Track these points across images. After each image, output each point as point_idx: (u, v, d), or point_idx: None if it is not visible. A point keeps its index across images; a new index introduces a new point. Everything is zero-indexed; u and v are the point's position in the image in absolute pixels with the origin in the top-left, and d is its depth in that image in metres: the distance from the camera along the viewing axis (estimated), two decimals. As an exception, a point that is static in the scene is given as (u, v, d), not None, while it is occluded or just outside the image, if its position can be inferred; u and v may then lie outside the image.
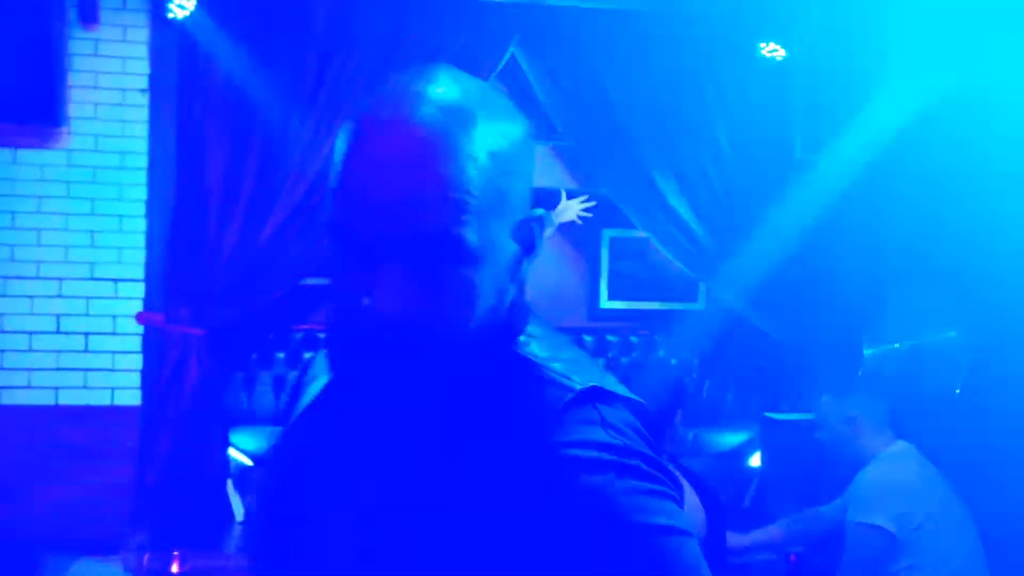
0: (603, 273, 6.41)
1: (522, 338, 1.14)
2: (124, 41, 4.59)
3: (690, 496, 2.42)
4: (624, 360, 6.28)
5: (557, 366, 1.09)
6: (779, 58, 4.99)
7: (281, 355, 5.80)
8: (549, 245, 6.29)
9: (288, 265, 4.73)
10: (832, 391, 3.15)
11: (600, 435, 1.01)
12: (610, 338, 6.31)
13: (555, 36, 4.96)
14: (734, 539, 3.25)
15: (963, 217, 4.62)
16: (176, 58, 4.60)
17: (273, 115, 4.64)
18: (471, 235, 1.02)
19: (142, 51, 4.60)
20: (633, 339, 6.34)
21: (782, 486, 4.88)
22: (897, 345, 4.91)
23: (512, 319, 1.14)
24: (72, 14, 4.43)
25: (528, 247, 1.14)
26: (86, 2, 4.42)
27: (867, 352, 5.00)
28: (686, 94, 5.08)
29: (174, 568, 2.80)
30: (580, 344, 5.92)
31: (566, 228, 6.44)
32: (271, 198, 4.67)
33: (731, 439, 5.80)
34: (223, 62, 4.59)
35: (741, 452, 5.68)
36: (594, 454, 0.98)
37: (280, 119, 4.65)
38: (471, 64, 4.84)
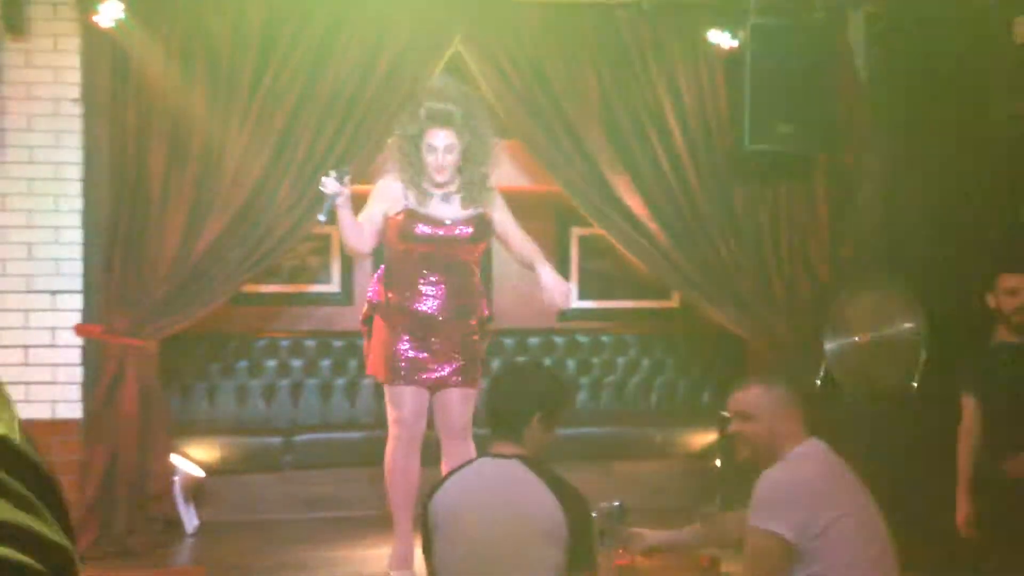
0: (572, 272, 6.30)
1: None
2: (55, 51, 4.56)
3: None
4: (595, 360, 6.16)
5: None
6: (728, 48, 4.84)
7: (243, 364, 5.76)
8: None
9: (228, 272, 4.67)
10: (735, 386, 3.01)
11: None
12: (580, 338, 6.20)
13: (499, 30, 4.86)
14: (647, 538, 3.14)
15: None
16: (109, 67, 4.56)
17: (209, 122, 4.59)
18: None
19: (74, 60, 4.57)
20: (604, 339, 6.22)
21: (742, 486, 4.74)
22: (856, 339, 4.76)
23: None
24: (-1, 25, 4.40)
25: None
26: (14, 12, 4.38)
27: (826, 346, 4.85)
28: (636, 86, 4.95)
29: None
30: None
31: (533, 228, 6.35)
32: (208, 206, 4.61)
33: (705, 439, 5.66)
34: (156, 70, 4.54)
35: (713, 452, 5.54)
36: None
37: (216, 125, 4.60)
38: (415, 61, 4.76)
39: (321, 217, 3.79)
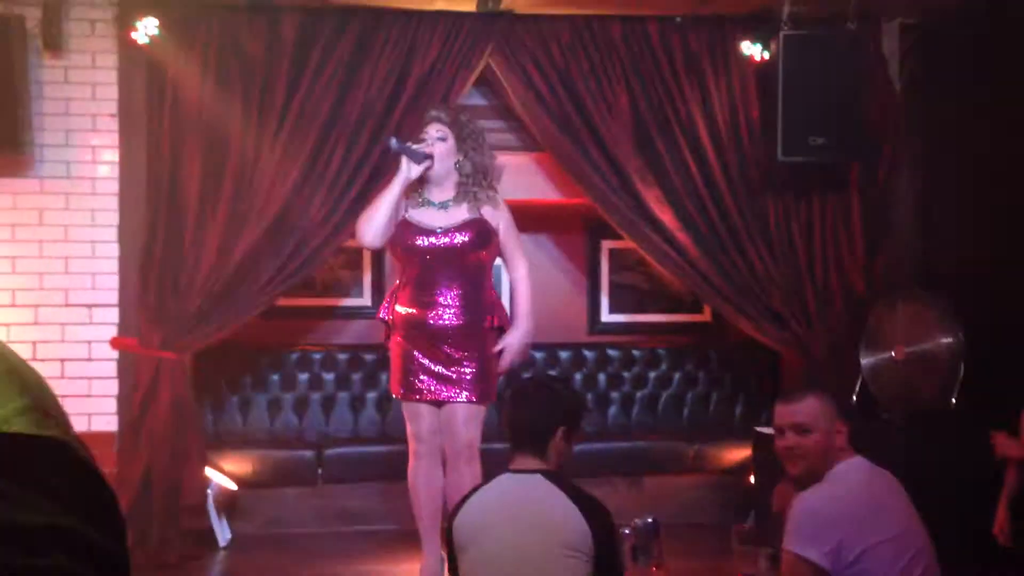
0: (603, 286, 6.28)
1: None
2: (93, 67, 4.62)
3: None
4: (626, 374, 6.13)
5: None
6: (760, 60, 4.81)
7: (275, 377, 5.78)
8: (547, 259, 6.19)
9: (261, 286, 4.70)
10: (784, 397, 2.95)
11: None
12: (611, 352, 6.16)
13: (529, 44, 4.87)
14: None
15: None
16: (145, 83, 4.61)
17: (243, 136, 4.63)
18: None
19: (111, 77, 4.63)
20: (636, 353, 6.18)
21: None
22: (892, 353, 4.69)
23: None
24: (37, 43, 4.46)
25: None
26: (52, 30, 4.45)
27: (862, 361, 4.79)
28: (668, 99, 4.93)
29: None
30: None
31: (563, 241, 6.34)
32: (242, 219, 4.65)
33: (738, 455, 5.59)
34: (191, 86, 4.59)
35: (746, 468, 5.47)
36: None
37: (250, 140, 4.64)
38: (446, 76, 4.78)
39: (423, 163, 3.89)
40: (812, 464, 2.77)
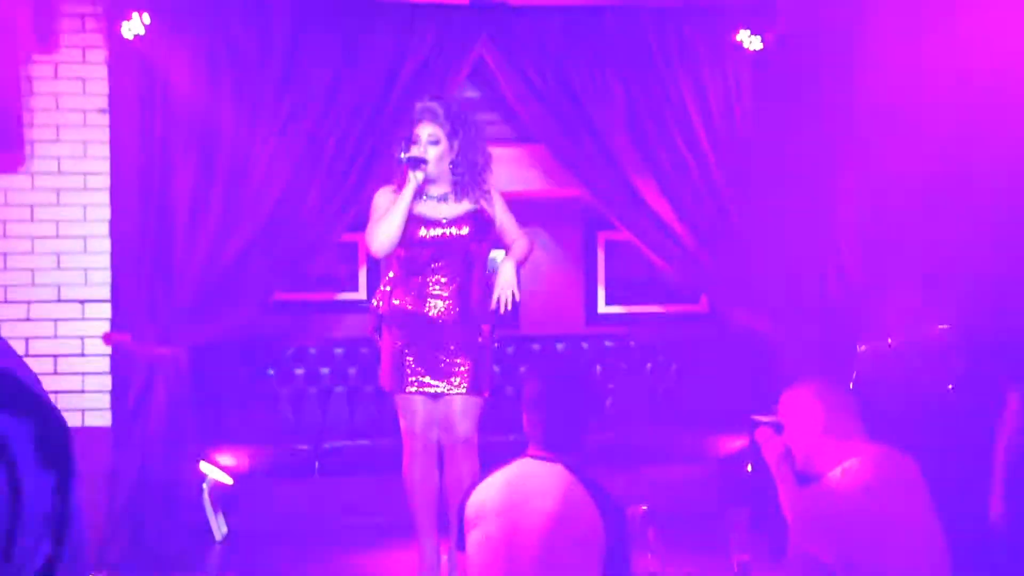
0: (600, 277, 6.26)
1: None
2: (84, 63, 4.60)
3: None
4: (624, 365, 6.12)
5: None
6: (756, 48, 4.79)
7: (271, 372, 5.77)
8: (543, 251, 6.17)
9: (256, 281, 4.67)
10: (797, 383, 2.93)
11: None
12: (608, 344, 6.15)
13: (523, 36, 4.84)
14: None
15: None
16: (136, 77, 4.58)
17: (235, 130, 4.61)
18: None
19: (102, 72, 4.60)
20: (633, 343, 6.17)
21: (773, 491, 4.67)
22: (890, 341, 4.68)
23: None
24: (27, 38, 4.44)
25: None
26: (44, 25, 4.42)
27: (860, 349, 4.77)
28: (662, 89, 4.91)
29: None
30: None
31: (560, 232, 6.32)
32: (237, 214, 4.62)
33: (735, 444, 5.59)
34: (183, 80, 4.56)
35: (745, 456, 5.46)
36: None
37: (242, 134, 4.61)
38: (439, 68, 4.76)
39: (421, 168, 3.85)
40: (804, 457, 2.75)
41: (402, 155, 3.87)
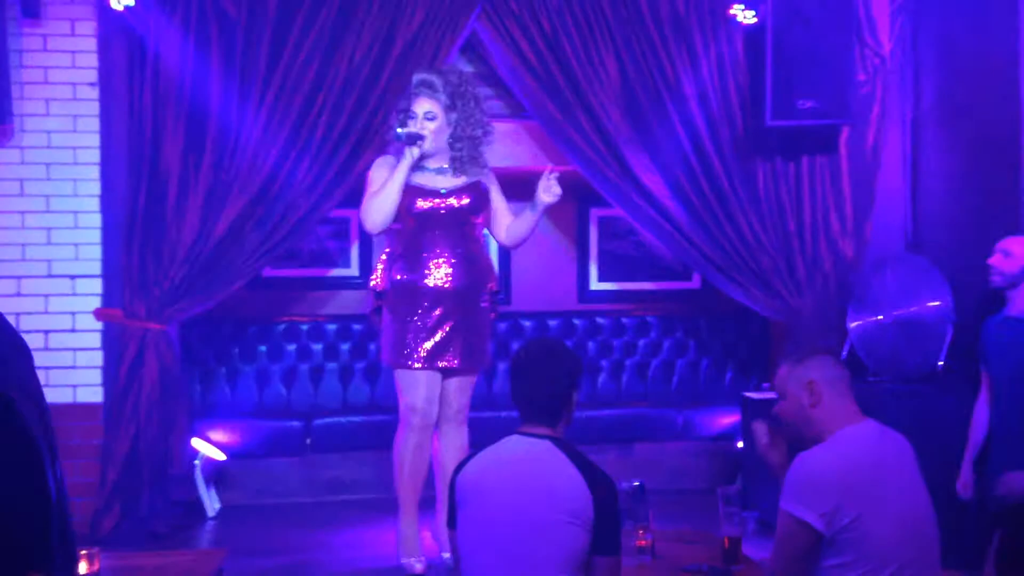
0: (592, 254, 6.24)
1: None
2: (72, 35, 4.55)
3: None
4: (616, 342, 6.12)
5: None
6: (749, 22, 4.76)
7: (263, 348, 5.75)
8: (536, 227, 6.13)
9: (247, 256, 4.65)
10: (790, 359, 2.92)
11: None
12: (601, 320, 6.15)
13: (516, 9, 4.80)
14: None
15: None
16: (125, 51, 4.55)
17: (226, 105, 4.57)
18: None
19: (91, 44, 4.56)
20: (625, 320, 6.17)
21: (763, 468, 4.69)
22: (880, 317, 4.68)
23: None
24: (15, 10, 4.39)
25: None
26: (30, -3, 4.38)
27: (850, 325, 4.78)
28: (655, 63, 4.88)
29: (83, 568, 2.73)
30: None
31: (552, 209, 6.29)
32: (226, 189, 4.60)
33: (727, 421, 5.60)
34: (172, 53, 4.52)
35: (735, 434, 5.48)
36: None
37: (233, 108, 4.58)
38: (431, 42, 4.72)
39: (418, 144, 3.86)
40: (799, 428, 2.75)
41: (399, 130, 3.86)
